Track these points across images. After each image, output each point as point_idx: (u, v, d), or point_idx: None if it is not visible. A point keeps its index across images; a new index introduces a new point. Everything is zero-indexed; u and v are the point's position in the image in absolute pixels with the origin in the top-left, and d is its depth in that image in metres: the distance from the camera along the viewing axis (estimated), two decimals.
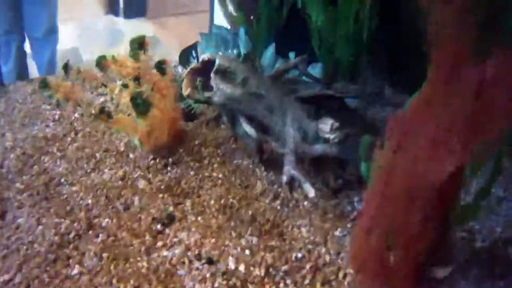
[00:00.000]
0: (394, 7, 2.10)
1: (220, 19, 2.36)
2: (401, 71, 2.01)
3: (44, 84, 1.73)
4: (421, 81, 1.14)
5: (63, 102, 1.76)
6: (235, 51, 2.04)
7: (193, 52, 2.08)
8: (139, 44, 1.75)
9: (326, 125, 1.57)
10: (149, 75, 1.75)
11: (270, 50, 2.01)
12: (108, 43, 5.30)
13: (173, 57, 2.44)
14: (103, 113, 1.72)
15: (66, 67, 1.80)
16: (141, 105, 1.68)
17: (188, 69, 1.70)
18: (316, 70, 1.98)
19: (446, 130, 1.04)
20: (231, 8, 2.21)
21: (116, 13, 6.81)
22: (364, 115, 1.88)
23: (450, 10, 1.00)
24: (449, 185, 1.08)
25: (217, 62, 1.61)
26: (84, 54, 5.00)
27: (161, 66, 1.83)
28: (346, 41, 1.99)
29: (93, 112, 1.74)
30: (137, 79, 1.72)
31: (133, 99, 1.67)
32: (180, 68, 2.27)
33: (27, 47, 4.32)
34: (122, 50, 1.94)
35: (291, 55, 2.00)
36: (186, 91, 1.68)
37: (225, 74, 1.62)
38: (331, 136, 1.55)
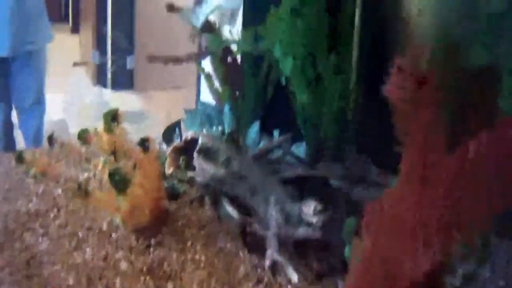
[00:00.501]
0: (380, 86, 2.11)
1: (207, 95, 2.36)
2: (387, 151, 2.00)
3: (19, 159, 1.71)
4: None
5: (40, 177, 1.74)
6: (219, 128, 2.03)
7: (177, 129, 2.08)
8: (112, 118, 1.73)
9: (309, 208, 1.55)
10: (129, 151, 1.73)
11: (255, 127, 2.00)
12: (95, 116, 5.32)
13: (159, 131, 2.43)
14: (81, 190, 1.69)
15: (50, 140, 1.78)
16: (119, 182, 1.64)
17: (171, 147, 1.70)
18: (300, 149, 1.97)
19: (422, 225, 1.01)
20: (216, 84, 2.21)
21: (104, 85, 6.87)
22: (349, 196, 1.86)
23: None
24: (429, 281, 1.03)
25: (199, 141, 1.60)
26: (71, 126, 5.01)
27: (144, 144, 1.81)
28: (330, 120, 1.98)
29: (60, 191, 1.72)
30: (113, 153, 1.70)
31: (111, 175, 1.64)
32: (164, 146, 2.25)
33: (14, 118, 4.32)
34: None
35: (276, 133, 1.99)
36: (169, 170, 1.67)
37: (208, 153, 1.61)
38: (314, 219, 1.53)
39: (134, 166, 1.70)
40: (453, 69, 1.14)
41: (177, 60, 2.12)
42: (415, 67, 1.00)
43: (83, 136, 1.75)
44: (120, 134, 1.73)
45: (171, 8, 2.11)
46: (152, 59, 2.13)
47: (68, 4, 12.04)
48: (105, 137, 1.71)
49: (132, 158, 1.72)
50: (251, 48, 2.03)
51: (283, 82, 1.97)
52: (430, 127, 0.99)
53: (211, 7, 2.12)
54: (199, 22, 2.13)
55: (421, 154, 1.01)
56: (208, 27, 2.14)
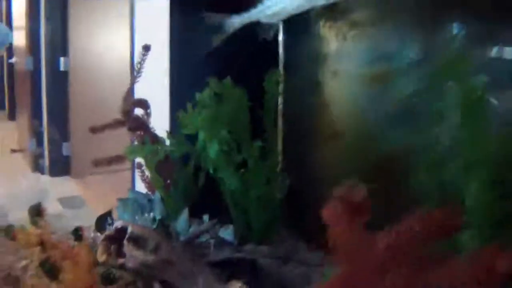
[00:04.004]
0: (308, 168, 2.22)
1: (140, 181, 2.41)
2: (315, 231, 2.09)
3: None
4: None
5: None
6: (151, 216, 2.08)
7: (109, 218, 2.13)
8: (37, 212, 1.80)
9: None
10: (56, 243, 1.78)
11: (184, 214, 2.06)
12: (34, 201, 5.28)
13: (96, 216, 2.46)
14: (12, 278, 1.73)
15: None
16: (49, 270, 1.70)
17: (103, 236, 1.75)
18: (229, 231, 2.04)
19: None
20: (147, 172, 2.27)
21: (41, 171, 6.83)
22: (277, 275, 1.93)
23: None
24: None
25: (129, 229, 1.67)
26: (10, 211, 4.97)
27: (77, 233, 1.87)
28: (257, 204, 2.06)
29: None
30: (41, 244, 1.75)
31: (41, 264, 1.69)
32: (97, 234, 2.29)
33: None
34: (48, 209, 1.97)
35: (205, 217, 2.06)
36: (101, 258, 1.72)
37: (137, 241, 1.67)
38: None
39: (63, 257, 1.75)
40: None
41: (112, 126, 2.21)
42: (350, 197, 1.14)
43: (9, 231, 1.80)
44: (45, 227, 1.79)
45: (93, 130, 2.21)
46: (93, 130, 2.20)
47: (4, 91, 12.00)
48: (31, 230, 1.77)
49: (60, 249, 1.77)
50: (179, 151, 2.11)
51: (211, 170, 2.05)
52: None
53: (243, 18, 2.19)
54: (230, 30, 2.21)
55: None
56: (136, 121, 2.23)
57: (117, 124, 2.22)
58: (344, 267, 1.13)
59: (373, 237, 1.10)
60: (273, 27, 2.11)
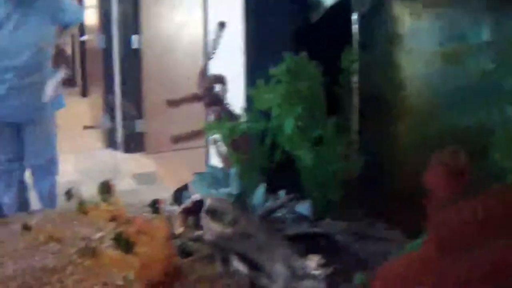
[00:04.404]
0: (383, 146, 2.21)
1: (215, 157, 2.44)
2: (391, 207, 2.08)
3: (26, 228, 1.80)
4: (411, 219, 1.21)
5: (48, 242, 1.82)
6: (226, 190, 2.10)
7: (186, 191, 2.16)
8: (106, 189, 1.84)
9: (312, 262, 1.62)
10: (130, 218, 1.82)
11: (261, 189, 2.07)
12: (107, 177, 5.40)
13: (170, 192, 2.50)
14: (89, 250, 1.77)
15: (68, 194, 1.88)
16: (123, 244, 1.73)
17: (180, 208, 1.78)
18: (306, 206, 2.04)
19: None
20: (223, 148, 2.29)
21: (115, 148, 6.96)
22: (354, 250, 1.92)
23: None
24: None
25: (207, 202, 1.69)
26: (83, 188, 5.07)
27: (155, 206, 1.91)
28: (334, 180, 2.06)
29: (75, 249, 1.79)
30: (113, 220, 1.79)
31: (115, 239, 1.72)
32: (174, 207, 2.32)
33: (27, 178, 4.39)
34: (121, 185, 2.02)
35: (281, 193, 2.07)
36: (178, 230, 1.75)
37: (215, 214, 1.69)
38: (318, 272, 1.59)
39: (138, 231, 1.79)
40: None
41: (189, 100, 2.23)
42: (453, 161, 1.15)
43: (82, 208, 1.85)
44: (116, 203, 1.83)
45: (171, 103, 2.23)
46: (171, 103, 2.23)
47: (76, 69, 12.24)
48: (103, 207, 1.81)
49: (135, 224, 1.81)
50: (256, 127, 2.12)
51: (287, 147, 2.06)
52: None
53: None
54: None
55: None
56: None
57: (194, 98, 2.25)
58: (442, 231, 1.12)
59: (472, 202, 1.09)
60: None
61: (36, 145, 4.18)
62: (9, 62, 3.86)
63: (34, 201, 4.41)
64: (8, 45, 3.85)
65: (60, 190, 4.27)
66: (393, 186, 2.14)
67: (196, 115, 2.60)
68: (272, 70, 2.04)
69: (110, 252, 1.80)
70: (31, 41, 3.91)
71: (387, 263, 1.30)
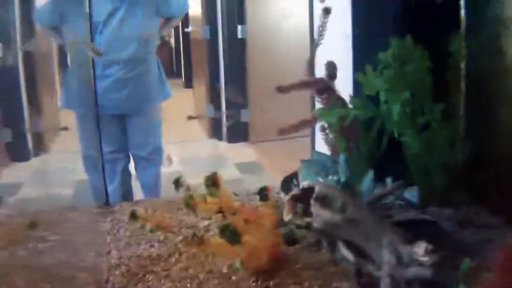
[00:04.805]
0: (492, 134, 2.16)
1: (321, 145, 2.45)
2: (496, 194, 2.04)
3: (133, 216, 1.86)
4: None
5: (155, 230, 1.88)
6: (334, 178, 2.11)
7: (294, 179, 2.17)
8: (212, 182, 1.87)
9: (420, 248, 1.60)
10: (238, 209, 1.85)
11: (369, 176, 2.07)
12: (211, 168, 5.50)
13: (274, 181, 2.52)
14: (195, 238, 1.80)
15: (177, 183, 1.93)
16: (230, 236, 1.75)
17: (289, 196, 1.80)
18: (412, 194, 2.02)
19: None
20: (331, 135, 2.29)
21: (219, 138, 7.06)
22: (459, 238, 1.90)
23: None
24: None
25: (316, 189, 1.70)
26: (187, 177, 5.17)
27: (263, 193, 1.94)
28: (441, 167, 2.04)
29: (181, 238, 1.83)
30: (220, 212, 1.82)
31: (221, 231, 1.75)
32: (282, 194, 2.34)
33: (132, 168, 4.50)
34: (225, 174, 2.05)
35: (388, 180, 2.05)
36: (287, 217, 1.77)
37: (324, 201, 1.70)
38: (425, 259, 1.58)
39: (245, 221, 1.81)
40: None
41: (298, 86, 2.24)
42: None
43: (189, 202, 1.90)
44: (224, 195, 1.86)
45: (280, 89, 2.23)
46: (280, 89, 2.24)
47: (180, 60, 12.47)
48: (209, 200, 1.85)
49: (242, 213, 1.83)
50: (365, 114, 2.11)
51: (396, 133, 2.05)
52: None
53: None
54: None
55: None
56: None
57: (303, 85, 2.25)
58: None
59: None
60: None
61: (140, 136, 4.29)
62: (115, 55, 3.97)
63: (137, 191, 4.53)
64: (115, 39, 3.97)
65: (165, 180, 4.37)
66: (499, 173, 2.08)
67: (298, 105, 2.60)
68: (381, 55, 2.02)
69: (216, 240, 1.82)
70: (137, 34, 4.01)
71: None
